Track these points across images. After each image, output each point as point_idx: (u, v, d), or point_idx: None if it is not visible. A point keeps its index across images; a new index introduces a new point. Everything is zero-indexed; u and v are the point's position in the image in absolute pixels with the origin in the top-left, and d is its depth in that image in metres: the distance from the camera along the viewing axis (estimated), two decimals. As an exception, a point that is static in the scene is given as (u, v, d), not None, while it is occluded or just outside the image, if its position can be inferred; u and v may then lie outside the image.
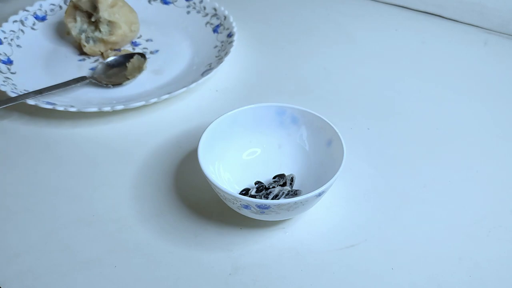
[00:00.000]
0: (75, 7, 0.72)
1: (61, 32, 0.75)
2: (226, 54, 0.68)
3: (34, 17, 0.76)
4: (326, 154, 0.52)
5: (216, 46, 0.72)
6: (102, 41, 0.71)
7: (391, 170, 0.56)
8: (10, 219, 0.52)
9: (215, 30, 0.74)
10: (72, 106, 0.61)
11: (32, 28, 0.75)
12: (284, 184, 0.52)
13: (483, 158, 0.57)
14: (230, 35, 0.71)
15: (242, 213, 0.49)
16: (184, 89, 0.63)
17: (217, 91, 0.67)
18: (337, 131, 0.51)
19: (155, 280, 0.46)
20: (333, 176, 0.47)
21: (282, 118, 0.55)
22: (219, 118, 0.53)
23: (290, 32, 0.77)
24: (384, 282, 0.46)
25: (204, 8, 0.77)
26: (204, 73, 0.65)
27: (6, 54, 0.70)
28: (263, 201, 0.45)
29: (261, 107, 0.55)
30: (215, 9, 0.76)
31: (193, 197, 0.53)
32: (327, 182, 0.47)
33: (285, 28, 0.78)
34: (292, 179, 0.52)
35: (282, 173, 0.53)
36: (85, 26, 0.72)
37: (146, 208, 0.52)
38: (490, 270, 0.47)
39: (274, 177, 0.52)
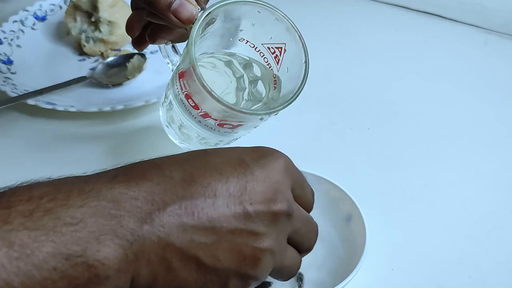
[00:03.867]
0: (75, 7, 0.72)
1: (61, 32, 0.75)
2: (226, 54, 0.67)
3: (34, 17, 0.76)
4: (345, 231, 0.46)
5: (216, 46, 0.71)
6: (102, 41, 0.71)
7: (391, 170, 0.56)
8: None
9: (215, 30, 0.74)
10: (72, 106, 0.61)
11: (32, 28, 0.75)
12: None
13: (483, 158, 0.57)
14: (230, 35, 0.71)
15: None
16: (184, 89, 0.63)
17: (217, 91, 0.67)
18: (357, 205, 0.46)
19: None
20: (350, 273, 0.41)
21: None
22: None
23: (290, 32, 0.77)
24: (384, 283, 0.46)
25: (204, 8, 0.77)
26: (204, 73, 0.65)
27: (6, 54, 0.70)
28: None
29: None
30: (215, 9, 0.75)
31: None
32: (345, 278, 0.40)
33: (285, 28, 0.77)
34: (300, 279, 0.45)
35: None
36: (85, 26, 0.72)
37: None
38: (490, 270, 0.47)
39: None
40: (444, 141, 0.59)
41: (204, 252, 0.30)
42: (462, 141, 0.59)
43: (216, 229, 0.30)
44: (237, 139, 0.49)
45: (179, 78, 0.44)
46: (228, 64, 0.48)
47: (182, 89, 0.44)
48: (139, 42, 0.49)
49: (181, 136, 0.50)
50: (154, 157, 0.32)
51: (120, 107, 0.61)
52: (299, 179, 0.35)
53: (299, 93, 0.43)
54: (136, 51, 0.72)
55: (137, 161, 0.32)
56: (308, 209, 0.36)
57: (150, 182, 0.30)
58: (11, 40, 0.72)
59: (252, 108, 0.47)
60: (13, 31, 0.73)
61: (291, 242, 0.34)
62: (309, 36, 0.77)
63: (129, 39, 0.73)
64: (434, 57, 0.72)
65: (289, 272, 0.35)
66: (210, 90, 0.41)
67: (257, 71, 0.48)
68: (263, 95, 0.48)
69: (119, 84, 0.67)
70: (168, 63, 0.51)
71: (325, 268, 0.45)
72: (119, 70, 0.69)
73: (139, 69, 0.69)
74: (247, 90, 0.48)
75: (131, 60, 0.69)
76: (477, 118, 0.62)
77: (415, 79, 0.68)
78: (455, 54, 0.72)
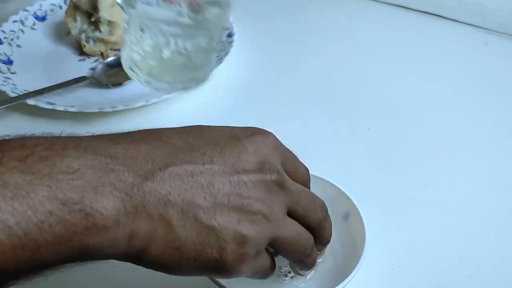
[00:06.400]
0: (75, 7, 0.72)
1: (61, 32, 0.75)
2: (226, 54, 0.67)
3: (34, 17, 0.76)
4: (343, 230, 0.45)
5: (216, 46, 0.71)
6: (102, 41, 0.71)
7: (391, 170, 0.56)
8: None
9: (215, 30, 0.74)
10: (72, 106, 0.61)
11: (32, 28, 0.75)
12: None
13: (483, 158, 0.57)
14: (230, 35, 0.71)
15: None
16: (184, 89, 0.63)
17: (217, 91, 0.67)
18: (354, 202, 0.45)
19: (155, 280, 0.46)
20: (351, 272, 0.40)
21: None
22: None
23: (290, 32, 0.77)
24: (384, 283, 0.46)
25: (204, 8, 0.77)
26: (204, 73, 0.65)
27: (6, 54, 0.70)
28: None
29: None
30: (215, 9, 0.76)
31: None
32: (345, 278, 0.40)
33: (285, 28, 0.77)
34: None
35: None
36: (85, 26, 0.72)
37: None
38: (490, 270, 0.47)
39: None
40: (444, 141, 0.59)
41: (203, 212, 0.30)
42: (462, 141, 0.59)
43: (213, 192, 0.31)
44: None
45: None
46: None
47: None
48: None
49: (148, 69, 0.50)
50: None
51: (120, 107, 0.61)
52: (289, 155, 0.37)
53: None
54: (136, 51, 0.73)
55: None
56: (304, 183, 0.37)
57: (149, 146, 0.30)
58: (11, 40, 0.72)
59: None
60: (13, 31, 0.73)
61: (295, 216, 0.35)
62: (309, 36, 0.77)
63: (129, 39, 0.74)
64: (434, 57, 0.72)
65: (292, 245, 0.35)
66: None
67: None
68: None
69: (119, 84, 0.67)
70: None
71: (325, 268, 0.45)
72: (119, 70, 0.69)
73: (139, 69, 0.69)
74: None
75: (131, 60, 0.69)
76: (477, 118, 0.62)
77: (415, 79, 0.68)
78: (455, 54, 0.72)
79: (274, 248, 0.35)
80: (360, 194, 0.54)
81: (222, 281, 0.39)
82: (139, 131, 0.32)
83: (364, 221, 0.44)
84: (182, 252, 0.30)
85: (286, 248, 0.35)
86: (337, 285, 0.40)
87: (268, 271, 0.36)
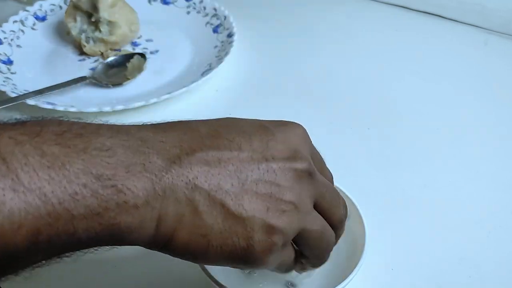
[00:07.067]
0: (75, 7, 0.72)
1: (61, 32, 0.75)
2: (226, 54, 0.68)
3: (34, 17, 0.76)
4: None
5: (216, 46, 0.71)
6: (102, 41, 0.71)
7: (391, 170, 0.56)
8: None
9: (215, 30, 0.74)
10: (72, 106, 0.62)
11: (32, 28, 0.75)
12: None
13: (483, 158, 0.57)
14: (230, 35, 0.71)
15: None
16: (184, 89, 0.63)
17: (217, 91, 0.67)
18: (354, 202, 0.45)
19: (155, 280, 0.46)
20: (348, 275, 0.40)
21: None
22: None
23: (290, 32, 0.77)
24: (384, 283, 0.46)
25: (204, 8, 0.77)
26: (204, 73, 0.65)
27: (6, 54, 0.70)
28: None
29: None
30: (215, 9, 0.76)
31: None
32: (345, 279, 0.39)
33: (285, 28, 0.77)
34: None
35: None
36: (85, 26, 0.72)
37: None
38: (490, 270, 0.47)
39: None
40: (444, 141, 0.59)
41: (230, 198, 0.30)
42: (462, 141, 0.59)
43: (241, 178, 0.30)
44: None
45: None
46: None
47: None
48: None
49: None
50: None
51: (120, 107, 0.61)
52: (317, 154, 0.37)
53: None
54: (136, 51, 0.73)
55: None
56: (330, 181, 0.37)
57: (177, 132, 0.31)
58: (11, 40, 0.72)
59: None
60: (13, 31, 0.73)
61: (318, 208, 0.34)
62: (309, 35, 0.77)
63: (129, 39, 0.74)
64: (434, 57, 0.72)
65: (317, 240, 0.34)
66: None
67: None
68: None
69: (119, 84, 0.67)
70: None
71: (325, 268, 0.45)
72: (119, 70, 0.69)
73: (139, 69, 0.69)
74: None
75: (131, 60, 0.69)
76: (477, 118, 0.62)
77: (415, 79, 0.68)
78: (455, 54, 0.72)
79: (297, 241, 0.34)
80: (360, 194, 0.54)
81: (222, 280, 0.39)
82: (168, 121, 0.33)
83: (364, 221, 0.44)
84: (208, 239, 0.30)
85: (310, 242, 0.34)
86: (337, 285, 0.40)
87: (292, 264, 0.36)
